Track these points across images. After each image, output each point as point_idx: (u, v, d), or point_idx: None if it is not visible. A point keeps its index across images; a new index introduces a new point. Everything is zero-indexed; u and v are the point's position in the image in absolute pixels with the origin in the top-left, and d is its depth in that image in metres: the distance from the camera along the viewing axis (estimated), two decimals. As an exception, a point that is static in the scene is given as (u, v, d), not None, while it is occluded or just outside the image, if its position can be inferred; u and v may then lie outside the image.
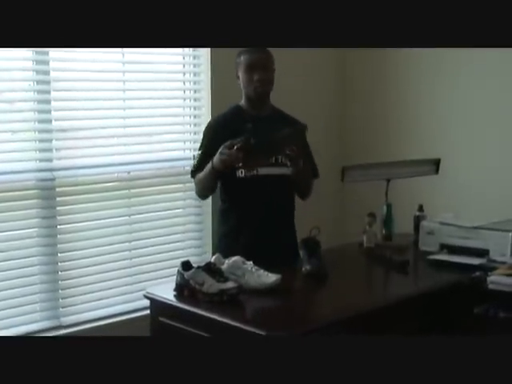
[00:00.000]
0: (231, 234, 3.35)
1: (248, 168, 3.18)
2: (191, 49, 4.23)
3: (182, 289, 2.77)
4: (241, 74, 3.33)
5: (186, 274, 2.75)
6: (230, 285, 2.67)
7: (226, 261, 2.82)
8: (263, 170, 3.24)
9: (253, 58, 3.28)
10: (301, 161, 3.22)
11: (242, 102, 3.41)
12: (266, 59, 3.32)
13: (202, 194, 3.48)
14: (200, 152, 3.39)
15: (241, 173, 3.24)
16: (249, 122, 3.18)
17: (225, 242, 3.37)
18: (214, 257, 2.89)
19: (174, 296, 2.78)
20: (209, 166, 3.19)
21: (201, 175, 3.30)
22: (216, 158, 3.12)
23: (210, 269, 2.74)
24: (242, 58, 3.31)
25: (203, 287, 2.68)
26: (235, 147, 3.02)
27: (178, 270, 2.80)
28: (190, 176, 3.46)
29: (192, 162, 3.56)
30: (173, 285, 2.81)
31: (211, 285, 2.67)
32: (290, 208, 3.46)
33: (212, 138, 3.33)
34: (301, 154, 3.22)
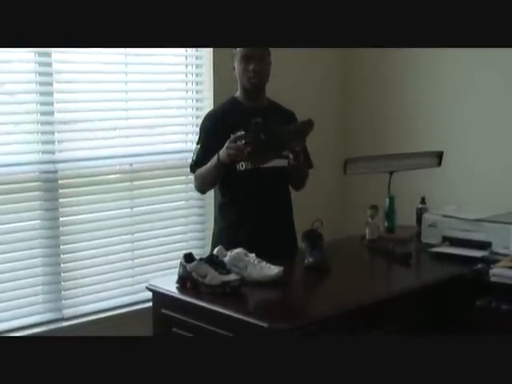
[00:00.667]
0: (231, 228, 3.33)
1: (255, 163, 3.16)
2: (193, 56, 4.24)
3: (184, 281, 2.77)
4: (237, 65, 3.30)
5: (189, 266, 2.75)
6: (232, 277, 2.67)
7: (229, 253, 2.83)
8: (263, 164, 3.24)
9: (249, 48, 3.24)
10: (302, 155, 3.23)
11: (238, 94, 3.39)
12: (262, 51, 3.28)
13: (203, 188, 3.45)
14: (199, 146, 3.35)
15: (241, 166, 3.23)
16: (256, 117, 3.18)
17: (225, 236, 3.34)
18: (216, 249, 2.88)
19: (177, 288, 2.78)
20: (214, 159, 3.16)
21: (203, 169, 3.27)
22: (222, 152, 3.09)
23: (213, 261, 2.74)
24: (238, 48, 3.28)
25: (205, 279, 2.69)
26: (243, 141, 3.01)
27: (181, 262, 2.80)
28: (189, 170, 3.42)
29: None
30: (175, 277, 2.82)
31: (213, 277, 2.67)
32: (288, 199, 3.47)
33: (211, 132, 3.31)
34: (303, 150, 3.24)
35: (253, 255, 2.83)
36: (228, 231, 3.34)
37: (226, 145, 3.06)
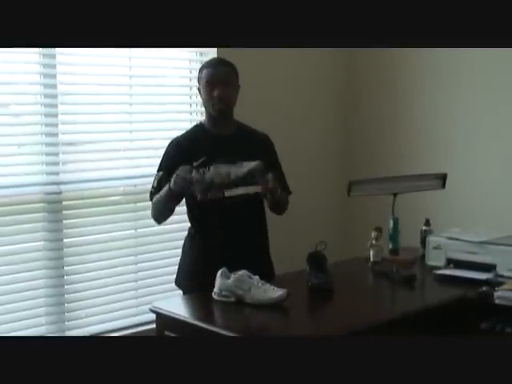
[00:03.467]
0: (199, 259, 3.19)
1: (202, 197, 2.99)
2: (198, 62, 4.26)
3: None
4: (201, 90, 3.17)
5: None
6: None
7: (232, 275, 2.82)
8: (229, 192, 3.07)
9: (213, 72, 3.12)
10: (274, 189, 3.08)
11: (205, 120, 3.28)
12: (227, 74, 3.14)
13: (158, 217, 3.26)
14: (160, 174, 3.16)
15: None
16: (222, 144, 3.11)
17: (192, 267, 3.22)
18: (220, 270, 2.87)
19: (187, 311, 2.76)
20: (166, 187, 3.04)
21: (157, 197, 3.13)
22: (173, 179, 2.97)
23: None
24: (202, 72, 3.15)
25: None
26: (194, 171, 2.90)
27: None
28: (149, 197, 3.24)
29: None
30: (179, 298, 2.82)
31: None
32: (260, 227, 3.32)
33: (173, 160, 3.14)
34: (271, 185, 3.04)
35: (256, 277, 2.82)
36: (195, 262, 3.22)
37: (177, 172, 2.96)
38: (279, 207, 3.28)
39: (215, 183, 2.93)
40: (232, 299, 2.77)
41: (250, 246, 3.19)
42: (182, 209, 3.32)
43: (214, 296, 2.82)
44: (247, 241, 3.19)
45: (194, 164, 3.02)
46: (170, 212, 3.22)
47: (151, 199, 3.22)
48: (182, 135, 3.30)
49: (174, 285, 3.35)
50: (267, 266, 3.32)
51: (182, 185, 2.95)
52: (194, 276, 3.19)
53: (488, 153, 4.25)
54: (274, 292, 2.77)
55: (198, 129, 3.29)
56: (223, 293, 2.79)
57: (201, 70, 3.20)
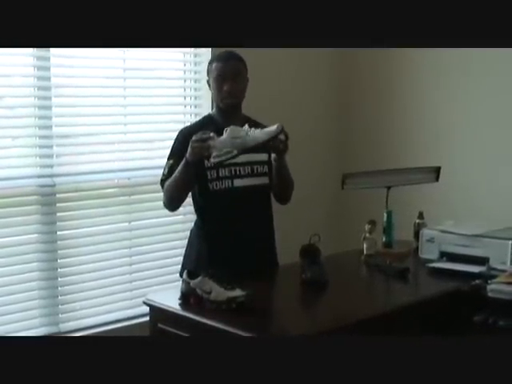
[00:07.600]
0: (206, 252, 3.18)
1: (219, 160, 2.90)
2: (192, 55, 4.26)
3: (187, 297, 2.73)
4: (211, 83, 3.18)
5: (192, 283, 2.70)
6: (238, 293, 2.62)
7: (224, 130, 2.85)
8: (238, 182, 3.12)
9: (223, 66, 3.12)
10: (283, 158, 3.08)
11: (214, 112, 3.29)
12: (238, 68, 3.15)
13: (172, 201, 3.19)
14: (171, 161, 3.16)
15: (215, 185, 3.11)
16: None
17: (200, 258, 3.20)
18: (211, 134, 2.86)
19: (179, 304, 2.73)
20: (182, 163, 3.01)
21: (171, 179, 3.09)
22: (188, 150, 2.93)
23: (217, 276, 2.70)
24: (213, 65, 3.15)
25: (211, 295, 2.65)
26: (208, 136, 2.88)
27: (183, 279, 2.76)
28: (159, 185, 3.21)
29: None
30: (172, 291, 2.80)
31: (219, 293, 2.63)
32: (268, 219, 3.31)
33: (184, 148, 3.09)
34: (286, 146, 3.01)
35: (246, 126, 2.86)
36: (202, 254, 3.20)
37: (191, 141, 2.93)
38: (285, 191, 3.28)
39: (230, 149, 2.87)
40: (235, 152, 2.78)
41: (256, 237, 3.20)
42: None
43: (215, 159, 2.81)
44: (254, 232, 3.19)
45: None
46: (183, 192, 3.17)
47: (162, 186, 3.18)
48: (192, 125, 3.34)
49: (179, 276, 3.31)
50: (273, 257, 3.35)
51: (199, 152, 2.91)
52: (199, 267, 3.18)
53: (482, 146, 4.25)
54: (270, 128, 2.83)
55: (208, 120, 3.29)
56: (224, 150, 2.78)
57: (211, 63, 3.20)
